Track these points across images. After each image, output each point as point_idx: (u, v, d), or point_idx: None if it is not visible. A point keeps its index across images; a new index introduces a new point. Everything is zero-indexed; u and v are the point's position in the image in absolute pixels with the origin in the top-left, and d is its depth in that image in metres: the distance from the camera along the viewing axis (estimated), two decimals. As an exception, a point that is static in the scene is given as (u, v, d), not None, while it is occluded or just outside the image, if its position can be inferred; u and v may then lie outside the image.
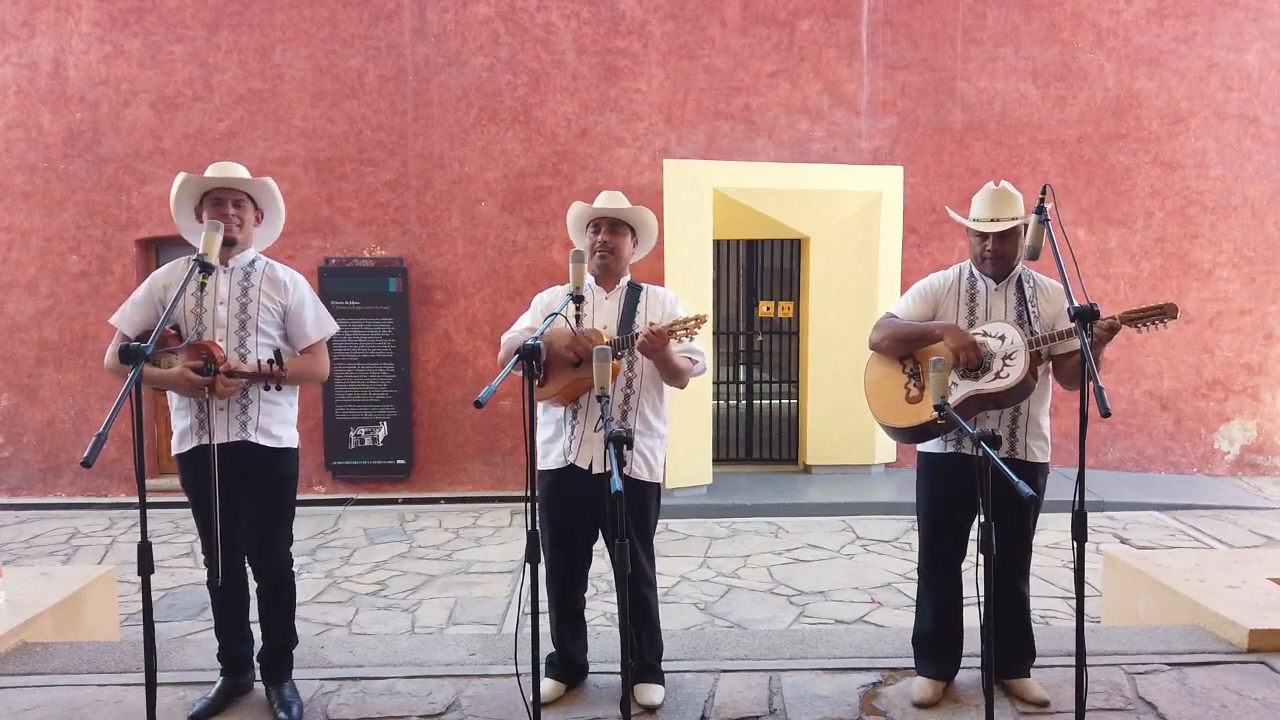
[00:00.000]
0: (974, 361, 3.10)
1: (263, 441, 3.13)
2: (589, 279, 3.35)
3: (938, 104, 8.71)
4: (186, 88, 8.44)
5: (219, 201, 3.14)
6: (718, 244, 8.86)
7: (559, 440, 3.27)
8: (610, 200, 3.36)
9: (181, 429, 3.15)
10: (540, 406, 3.31)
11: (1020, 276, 3.24)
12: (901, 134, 8.72)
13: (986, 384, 3.08)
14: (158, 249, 8.81)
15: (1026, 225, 2.80)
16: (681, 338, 3.01)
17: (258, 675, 3.35)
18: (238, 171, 3.21)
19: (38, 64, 8.41)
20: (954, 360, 3.13)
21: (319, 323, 3.28)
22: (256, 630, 3.33)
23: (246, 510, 3.19)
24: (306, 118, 8.48)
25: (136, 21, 8.40)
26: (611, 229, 3.33)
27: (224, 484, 3.07)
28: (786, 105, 8.64)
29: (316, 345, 3.27)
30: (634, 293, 3.35)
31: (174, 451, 3.20)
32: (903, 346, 3.30)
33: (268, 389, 3.04)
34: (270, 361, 2.96)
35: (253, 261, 3.23)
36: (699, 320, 2.97)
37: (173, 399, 3.16)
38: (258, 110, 8.46)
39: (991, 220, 3.14)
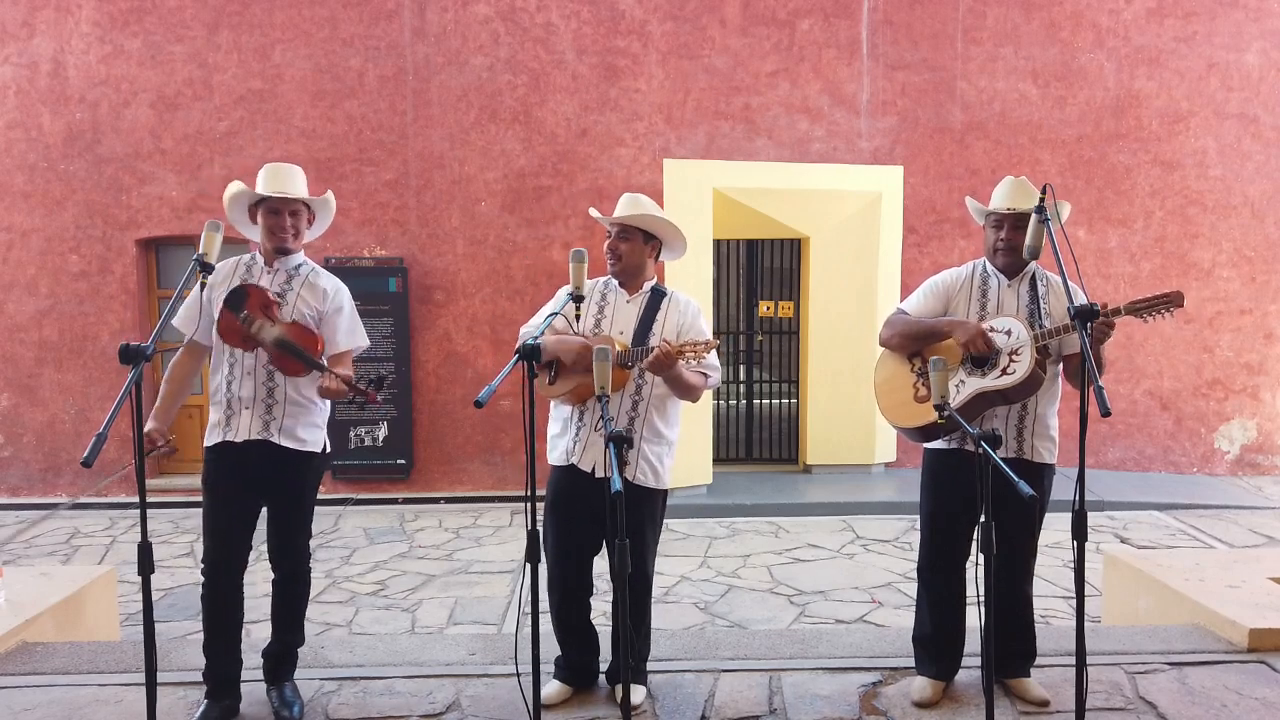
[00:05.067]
0: (985, 352, 3.10)
1: (285, 443, 3.09)
2: (613, 281, 3.35)
3: (938, 104, 8.71)
4: (186, 88, 8.44)
5: (275, 211, 3.15)
6: (718, 244, 8.86)
7: (564, 438, 3.27)
8: (627, 204, 3.32)
9: (211, 422, 3.14)
10: (551, 403, 3.31)
11: (1034, 274, 3.25)
12: (901, 134, 8.72)
13: (993, 380, 3.08)
14: (158, 249, 8.82)
15: (1044, 219, 2.81)
16: (691, 359, 3.01)
17: (259, 675, 3.31)
18: (297, 180, 3.20)
19: (38, 64, 8.41)
20: (964, 352, 3.13)
21: (350, 334, 3.25)
22: (260, 632, 3.30)
23: (266, 510, 3.18)
24: (306, 118, 8.48)
25: (136, 21, 8.40)
26: (620, 234, 3.31)
27: (243, 483, 3.05)
28: (786, 105, 8.64)
29: (343, 355, 3.24)
30: (656, 299, 3.29)
31: (204, 444, 3.17)
32: (912, 343, 3.29)
33: (353, 401, 3.02)
34: (373, 381, 2.98)
35: (298, 266, 3.23)
36: (709, 345, 2.98)
37: (210, 388, 3.14)
38: (258, 110, 8.46)
39: (1009, 209, 3.16)
